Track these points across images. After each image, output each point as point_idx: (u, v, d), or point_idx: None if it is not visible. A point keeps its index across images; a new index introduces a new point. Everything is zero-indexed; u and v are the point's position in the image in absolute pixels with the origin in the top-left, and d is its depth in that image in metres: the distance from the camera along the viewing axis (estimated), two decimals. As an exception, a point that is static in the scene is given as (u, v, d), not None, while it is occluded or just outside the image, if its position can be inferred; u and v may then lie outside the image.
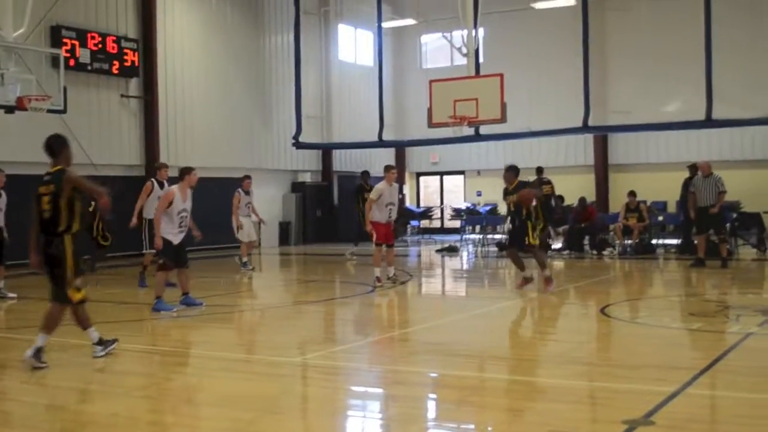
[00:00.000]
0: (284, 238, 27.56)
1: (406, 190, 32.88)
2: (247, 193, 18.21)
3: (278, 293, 15.85)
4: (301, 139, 26.28)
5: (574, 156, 29.10)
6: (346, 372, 8.36)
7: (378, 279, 14.46)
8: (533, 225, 13.57)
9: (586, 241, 21.70)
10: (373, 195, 14.82)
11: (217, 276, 17.52)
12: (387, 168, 15.29)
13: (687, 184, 19.72)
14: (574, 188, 25.55)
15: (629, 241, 20.78)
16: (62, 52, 19.00)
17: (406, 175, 32.97)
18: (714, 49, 21.62)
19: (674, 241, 21.76)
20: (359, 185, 20.76)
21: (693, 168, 19.65)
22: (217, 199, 25.24)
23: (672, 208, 24.00)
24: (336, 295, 14.13)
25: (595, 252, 21.08)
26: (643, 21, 26.04)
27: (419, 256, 23.29)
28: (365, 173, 21.27)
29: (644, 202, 22.33)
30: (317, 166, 29.51)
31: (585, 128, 23.44)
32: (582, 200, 22.30)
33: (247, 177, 18.50)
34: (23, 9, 17.68)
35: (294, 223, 27.97)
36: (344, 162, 30.32)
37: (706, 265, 16.87)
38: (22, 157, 20.02)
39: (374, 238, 14.64)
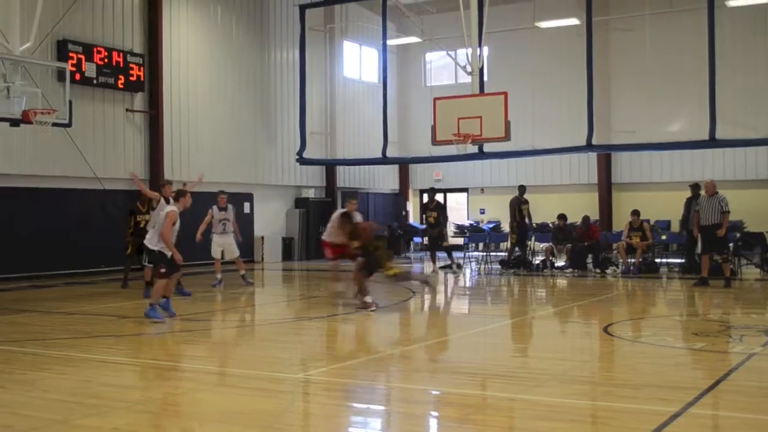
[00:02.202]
0: (287, 253, 27.54)
1: (410, 207, 32.93)
2: (223, 209, 18.18)
3: (280, 309, 15.84)
4: (305, 155, 26.32)
5: (577, 174, 29.14)
6: (348, 389, 8.34)
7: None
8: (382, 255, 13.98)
9: (589, 260, 21.69)
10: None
11: (221, 291, 17.50)
12: (349, 196, 15.93)
13: (689, 203, 19.76)
14: (577, 207, 25.57)
15: (632, 260, 20.76)
16: (68, 66, 19.06)
17: (410, 192, 33.04)
18: (718, 68, 21.70)
19: (677, 261, 21.75)
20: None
21: (695, 187, 19.70)
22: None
23: (675, 227, 23.99)
24: (338, 312, 14.10)
25: (598, 271, 21.06)
26: (647, 40, 26.09)
27: (422, 272, 23.24)
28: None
29: (647, 221, 22.34)
30: (321, 182, 29.54)
31: (589, 147, 23.49)
32: (586, 219, 22.30)
33: (222, 192, 18.46)
34: (30, 23, 17.76)
35: (297, 238, 27.98)
36: (348, 178, 30.35)
37: (709, 285, 16.85)
38: (27, 170, 20.13)
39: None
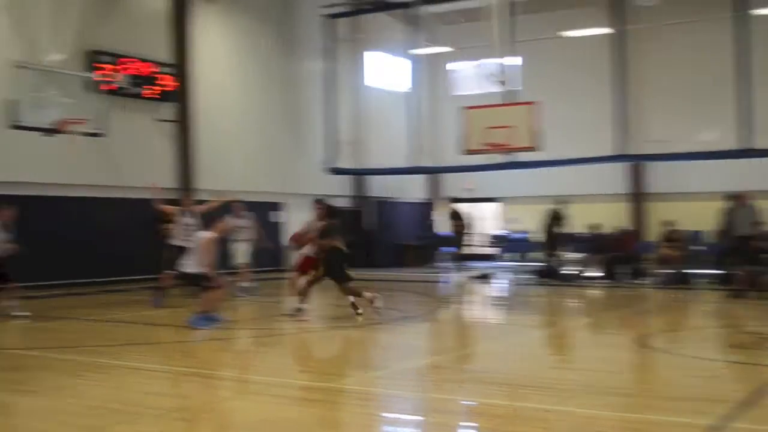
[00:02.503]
0: (317, 262, 27.53)
1: (439, 216, 32.83)
2: (239, 217, 18.17)
3: (313, 318, 15.82)
4: (333, 165, 26.34)
5: (609, 184, 28.94)
6: (381, 398, 8.30)
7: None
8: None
9: (623, 270, 21.49)
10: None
11: (254, 301, 17.53)
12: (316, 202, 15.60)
13: (724, 213, 19.54)
14: (610, 217, 25.37)
15: (666, 271, 20.55)
16: (99, 77, 19.22)
17: (439, 202, 32.96)
18: (752, 76, 21.46)
19: (712, 272, 21.50)
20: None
21: (731, 198, 19.46)
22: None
23: (710, 237, 23.71)
24: (371, 321, 14.05)
25: (632, 281, 20.87)
26: (678, 49, 25.91)
27: (453, 282, 23.17)
28: None
29: (682, 231, 22.09)
30: (350, 191, 29.54)
31: (620, 157, 23.30)
32: (620, 229, 22.13)
33: (238, 202, 18.47)
34: (62, 35, 17.95)
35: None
36: (377, 188, 30.34)
37: (744, 297, 16.64)
38: (59, 179, 20.30)
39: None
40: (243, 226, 18.19)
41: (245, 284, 18.17)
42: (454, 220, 21.78)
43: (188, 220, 16.11)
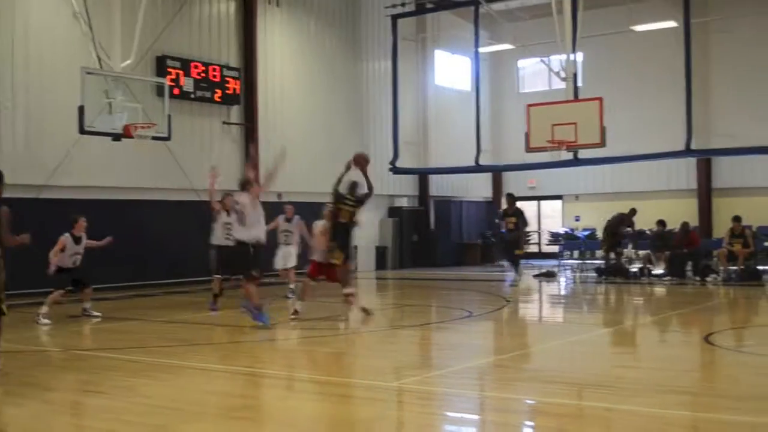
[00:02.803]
0: (381, 262, 27.68)
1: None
2: (289, 220, 18.14)
3: (375, 317, 15.89)
4: (398, 164, 26.41)
5: (676, 180, 28.53)
6: (442, 397, 8.32)
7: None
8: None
9: (688, 267, 21.17)
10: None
11: (318, 300, 17.65)
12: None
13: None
14: (676, 213, 25.01)
15: (734, 268, 20.18)
16: (167, 81, 19.57)
17: (503, 200, 32.81)
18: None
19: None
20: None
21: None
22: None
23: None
24: (432, 320, 14.08)
25: (698, 278, 20.54)
26: (747, 42, 25.40)
27: (516, 281, 23.05)
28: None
29: (749, 227, 21.67)
30: (414, 191, 29.59)
31: (687, 152, 22.92)
32: (685, 225, 21.80)
33: (289, 204, 18.50)
34: (131, 40, 18.30)
35: (390, 247, 28.08)
36: (441, 187, 30.35)
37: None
38: (128, 183, 20.73)
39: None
40: (289, 230, 18.16)
41: (292, 286, 18.16)
42: (513, 217, 21.42)
43: (228, 219, 15.90)
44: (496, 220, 25.13)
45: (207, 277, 17.06)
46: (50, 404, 8.19)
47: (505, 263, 21.97)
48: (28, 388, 8.67)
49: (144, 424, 7.16)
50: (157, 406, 7.81)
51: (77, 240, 14.50)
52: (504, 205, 22.00)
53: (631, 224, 22.22)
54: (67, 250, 14.33)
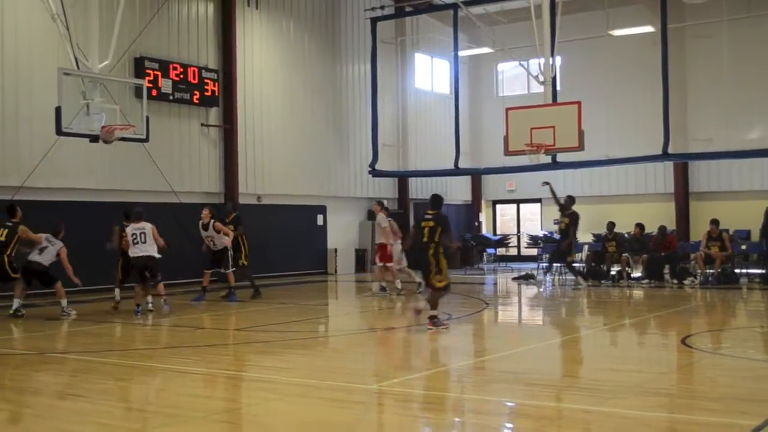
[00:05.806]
0: (360, 265, 27.67)
1: (482, 218, 32.81)
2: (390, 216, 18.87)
3: (354, 320, 15.89)
4: (377, 167, 26.39)
5: (654, 184, 28.69)
6: (422, 400, 8.33)
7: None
8: None
9: (666, 271, 21.29)
10: None
11: (295, 303, 17.65)
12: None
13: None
14: (653, 216, 25.17)
15: (711, 271, 20.33)
16: (145, 83, 19.46)
17: (482, 203, 32.93)
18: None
19: (758, 271, 21.22)
20: None
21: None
22: (293, 225, 25.55)
23: (755, 236, 23.41)
24: (412, 323, 14.07)
25: (675, 281, 20.66)
26: (724, 47, 25.55)
27: (495, 284, 23.12)
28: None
29: (727, 230, 21.84)
30: (393, 194, 29.60)
31: (665, 156, 23.02)
32: (662, 228, 21.92)
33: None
34: (108, 41, 18.17)
35: (370, 250, 28.05)
36: (421, 190, 30.37)
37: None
38: (106, 185, 20.62)
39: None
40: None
41: (383, 283, 18.89)
42: (567, 218, 21.07)
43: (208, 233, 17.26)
44: (554, 222, 24.72)
45: (185, 279, 17.13)
46: (28, 408, 8.14)
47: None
48: (5, 392, 8.61)
49: (122, 427, 7.13)
50: (135, 410, 7.78)
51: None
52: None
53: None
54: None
